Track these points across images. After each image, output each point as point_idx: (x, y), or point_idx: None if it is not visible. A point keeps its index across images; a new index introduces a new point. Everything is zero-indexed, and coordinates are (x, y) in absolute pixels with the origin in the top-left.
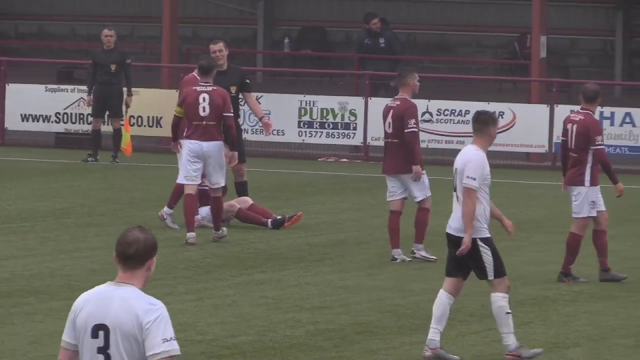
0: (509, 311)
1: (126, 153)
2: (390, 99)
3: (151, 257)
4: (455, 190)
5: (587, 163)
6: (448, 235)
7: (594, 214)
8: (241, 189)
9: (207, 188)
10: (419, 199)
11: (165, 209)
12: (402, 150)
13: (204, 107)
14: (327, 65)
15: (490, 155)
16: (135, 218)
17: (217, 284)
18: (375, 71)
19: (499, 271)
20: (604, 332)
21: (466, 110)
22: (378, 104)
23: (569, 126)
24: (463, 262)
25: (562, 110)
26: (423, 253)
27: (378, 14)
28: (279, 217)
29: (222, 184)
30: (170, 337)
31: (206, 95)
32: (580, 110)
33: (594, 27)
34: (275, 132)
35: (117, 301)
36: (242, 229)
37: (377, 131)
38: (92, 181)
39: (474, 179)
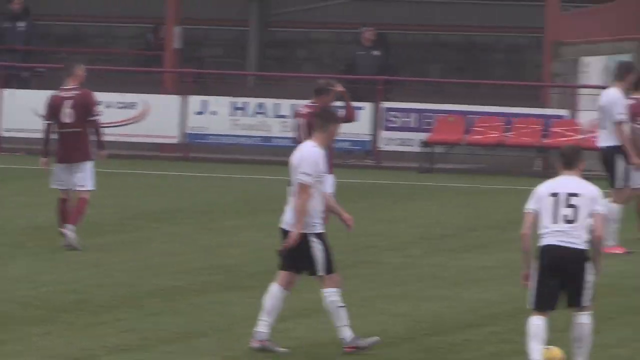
0: (342, 305)
1: None
2: (59, 90)
3: None
4: (290, 185)
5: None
6: (282, 230)
7: None
8: None
9: None
10: (85, 188)
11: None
12: (83, 139)
13: None
14: None
15: (121, 146)
16: None
17: None
18: (11, 62)
19: (329, 267)
20: (232, 322)
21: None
22: (13, 95)
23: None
24: (296, 256)
25: (195, 101)
26: (73, 238)
27: None
28: None
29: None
30: None
31: None
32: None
33: (228, 18)
34: None
35: None
36: None
37: (11, 123)
38: None
39: (309, 175)
